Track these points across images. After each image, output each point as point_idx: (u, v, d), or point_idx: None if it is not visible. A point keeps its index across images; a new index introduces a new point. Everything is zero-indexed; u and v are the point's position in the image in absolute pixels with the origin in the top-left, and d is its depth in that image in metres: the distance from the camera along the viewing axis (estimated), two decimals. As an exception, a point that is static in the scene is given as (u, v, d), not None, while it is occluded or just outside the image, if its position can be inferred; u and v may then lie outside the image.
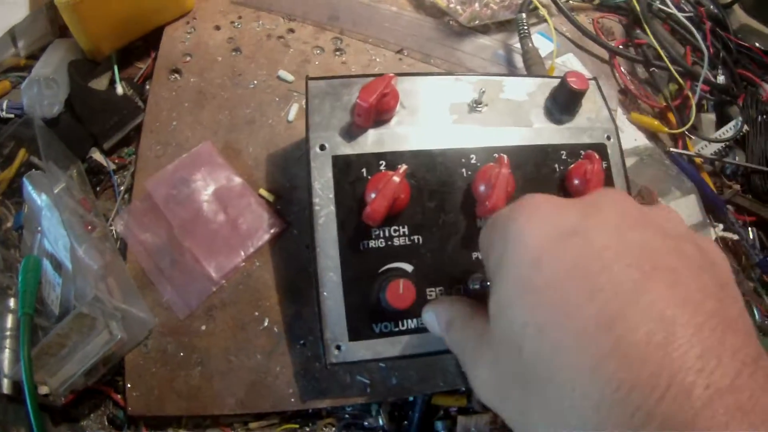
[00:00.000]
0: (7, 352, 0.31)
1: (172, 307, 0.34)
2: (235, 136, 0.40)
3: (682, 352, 0.13)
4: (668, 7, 0.54)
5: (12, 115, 0.40)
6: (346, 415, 0.35)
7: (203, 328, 0.34)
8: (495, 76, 0.34)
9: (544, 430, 0.16)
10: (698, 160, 0.47)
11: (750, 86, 0.52)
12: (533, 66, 0.43)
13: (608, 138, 0.34)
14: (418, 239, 0.29)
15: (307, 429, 0.34)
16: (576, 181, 0.31)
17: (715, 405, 0.12)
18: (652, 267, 0.15)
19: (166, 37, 0.45)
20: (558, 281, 0.16)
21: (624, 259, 0.16)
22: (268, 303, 0.35)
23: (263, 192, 0.38)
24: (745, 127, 0.48)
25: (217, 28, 0.45)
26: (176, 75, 0.43)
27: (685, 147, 0.47)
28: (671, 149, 0.46)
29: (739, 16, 0.57)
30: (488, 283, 0.28)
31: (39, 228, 0.35)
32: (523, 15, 0.46)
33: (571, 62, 0.48)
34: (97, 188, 0.40)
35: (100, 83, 0.43)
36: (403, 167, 0.28)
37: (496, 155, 0.31)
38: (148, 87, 0.43)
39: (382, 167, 0.29)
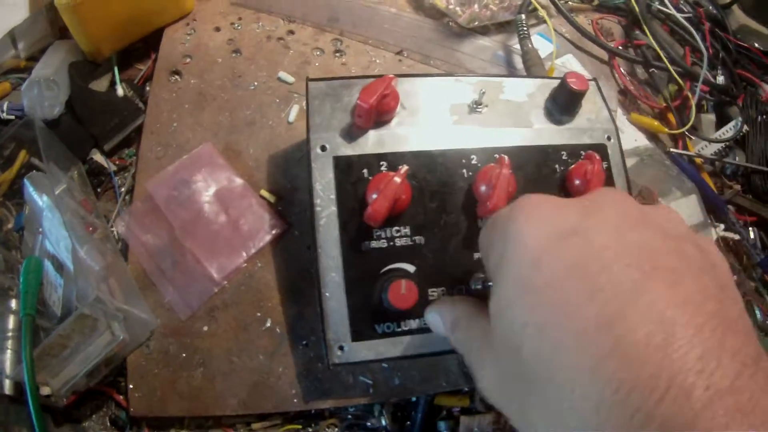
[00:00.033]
0: (8, 353, 0.31)
1: (173, 308, 0.34)
2: (235, 138, 0.40)
3: (682, 354, 0.13)
4: (667, 8, 0.54)
5: (12, 117, 0.40)
6: (349, 416, 0.35)
7: (205, 328, 0.34)
8: (495, 77, 0.34)
9: (543, 430, 0.16)
10: (698, 160, 0.48)
11: (749, 86, 0.52)
12: (533, 67, 0.43)
13: (608, 138, 0.34)
14: (420, 240, 0.29)
15: (310, 430, 0.34)
16: (577, 182, 0.31)
17: (715, 406, 0.12)
18: (652, 267, 0.15)
19: (166, 38, 0.45)
20: (557, 281, 0.16)
21: (624, 259, 0.16)
22: (270, 304, 0.35)
23: (264, 193, 0.38)
24: (745, 127, 0.48)
25: (217, 29, 0.46)
26: (176, 76, 0.43)
27: (686, 147, 0.48)
28: (671, 150, 0.46)
29: (738, 17, 0.57)
30: (490, 284, 0.28)
31: (40, 229, 0.35)
32: (523, 16, 0.46)
33: (571, 63, 0.49)
34: (98, 189, 0.40)
35: (100, 85, 0.43)
36: (404, 168, 0.28)
37: (496, 156, 0.31)
38: (148, 88, 0.43)
39: (383, 168, 0.30)
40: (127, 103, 0.41)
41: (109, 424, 0.33)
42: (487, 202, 0.27)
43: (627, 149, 0.40)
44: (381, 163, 0.30)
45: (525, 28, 0.46)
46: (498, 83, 0.34)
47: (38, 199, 0.36)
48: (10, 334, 0.32)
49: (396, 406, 0.35)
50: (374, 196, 0.27)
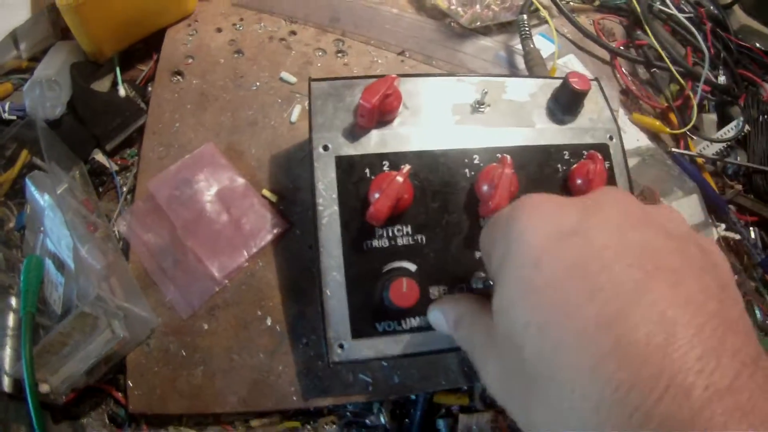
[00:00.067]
0: (8, 351, 0.31)
1: (174, 306, 0.34)
2: (237, 138, 0.40)
3: (683, 353, 0.13)
4: (669, 8, 0.54)
5: (14, 117, 0.40)
6: (348, 414, 0.35)
7: (206, 327, 0.34)
8: (497, 77, 0.34)
9: (544, 429, 0.16)
10: (700, 160, 0.48)
11: (751, 86, 0.52)
12: (535, 67, 0.43)
13: (610, 138, 0.34)
14: (422, 239, 0.29)
15: (309, 427, 0.34)
16: (579, 181, 0.31)
17: (714, 406, 0.13)
18: (654, 267, 0.15)
19: (167, 39, 0.45)
20: (558, 281, 0.16)
21: (625, 259, 0.16)
22: (271, 303, 0.35)
23: (266, 192, 0.38)
24: (747, 127, 0.48)
25: (219, 30, 0.46)
26: (178, 77, 0.43)
27: (687, 147, 0.48)
28: (673, 149, 0.46)
29: (739, 17, 0.57)
30: (491, 283, 0.28)
31: (42, 228, 0.35)
32: (524, 16, 0.47)
33: (573, 63, 0.49)
34: (100, 189, 0.40)
35: (102, 85, 0.43)
36: (407, 167, 0.28)
37: (499, 155, 0.31)
38: (150, 89, 0.43)
39: (385, 167, 0.30)
40: (129, 103, 0.41)
41: (107, 421, 0.33)
42: (489, 201, 0.27)
43: (629, 149, 0.40)
44: (383, 162, 0.30)
45: (527, 29, 0.46)
46: (500, 83, 0.34)
47: (40, 198, 0.36)
48: (10, 331, 0.32)
49: (395, 404, 0.35)
50: (376, 195, 0.27)
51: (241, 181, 0.38)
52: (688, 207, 0.43)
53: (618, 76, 0.51)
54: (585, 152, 0.32)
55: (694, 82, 0.50)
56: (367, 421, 0.35)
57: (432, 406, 0.35)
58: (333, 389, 0.33)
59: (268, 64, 0.44)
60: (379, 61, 0.46)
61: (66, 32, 0.43)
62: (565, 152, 0.32)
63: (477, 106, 0.32)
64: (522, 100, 0.34)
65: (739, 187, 0.47)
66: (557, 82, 0.34)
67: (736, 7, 0.58)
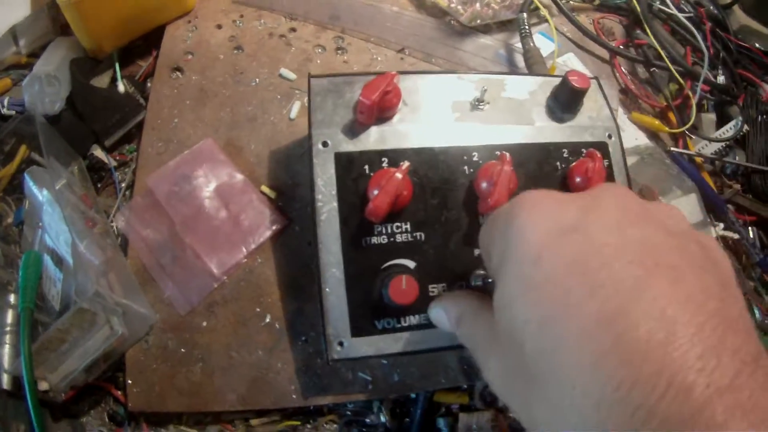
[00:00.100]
0: (7, 348, 0.31)
1: (173, 303, 0.34)
2: (236, 134, 0.40)
3: (683, 351, 0.13)
4: (668, 7, 0.54)
5: (13, 112, 0.40)
6: (348, 412, 0.35)
7: (204, 324, 0.34)
8: (497, 75, 0.34)
9: (545, 426, 0.16)
10: (699, 159, 0.48)
11: (750, 86, 0.52)
12: (534, 65, 0.43)
13: (609, 136, 0.34)
14: (421, 236, 0.29)
15: (309, 426, 0.34)
16: (578, 179, 0.31)
17: (714, 404, 0.13)
18: (654, 264, 0.15)
19: (167, 35, 0.45)
20: (558, 277, 0.16)
21: (625, 256, 0.16)
22: (270, 299, 0.35)
23: (265, 189, 0.38)
24: (746, 126, 0.48)
25: (219, 26, 0.46)
26: (178, 73, 0.43)
27: (686, 146, 0.48)
28: (672, 148, 0.46)
29: (739, 17, 0.58)
30: (490, 280, 0.28)
31: (40, 223, 0.35)
32: (524, 15, 0.47)
33: (572, 62, 0.49)
34: (98, 185, 0.40)
35: (101, 81, 0.43)
36: (406, 164, 0.28)
37: (498, 153, 0.31)
38: (149, 85, 0.43)
39: (384, 164, 0.30)
40: (128, 99, 0.41)
41: (107, 419, 0.33)
42: (488, 198, 0.27)
43: (628, 148, 0.40)
44: (382, 159, 0.30)
45: (526, 27, 0.46)
46: (500, 81, 0.34)
47: (38, 193, 0.36)
48: (8, 328, 0.32)
49: (395, 403, 0.35)
50: (375, 192, 0.27)
51: (240, 177, 0.38)
52: (687, 206, 0.43)
53: (617, 75, 0.51)
54: (584, 150, 0.32)
55: (693, 82, 0.50)
56: (367, 419, 0.34)
57: (432, 405, 0.35)
58: (332, 387, 0.33)
59: (267, 60, 0.44)
60: (379, 58, 0.46)
61: (65, 28, 0.43)
62: (564, 150, 0.32)
63: (476, 103, 0.32)
64: (521, 97, 0.34)
65: (738, 186, 0.47)
66: (557, 80, 0.34)
67: (735, 7, 0.58)
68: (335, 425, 0.34)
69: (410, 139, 0.30)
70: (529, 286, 0.17)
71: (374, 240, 0.29)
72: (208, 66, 0.43)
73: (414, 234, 0.29)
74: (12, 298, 0.33)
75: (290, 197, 0.38)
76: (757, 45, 0.55)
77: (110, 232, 0.37)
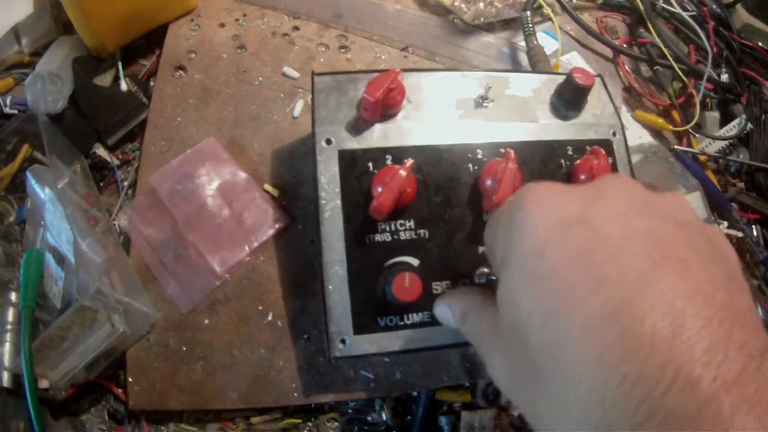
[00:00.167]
0: (7, 346, 0.31)
1: (175, 301, 0.34)
2: (239, 132, 0.40)
3: (690, 345, 0.13)
4: (671, 6, 0.54)
5: (16, 111, 0.40)
6: (350, 410, 0.34)
7: (206, 322, 0.34)
8: (501, 72, 0.34)
9: (549, 421, 0.16)
10: (702, 157, 0.47)
11: (753, 85, 0.52)
12: (538, 63, 0.43)
13: (614, 134, 0.34)
14: (425, 233, 0.29)
15: (310, 424, 0.34)
16: (582, 177, 0.31)
17: (721, 398, 0.12)
18: (661, 256, 0.15)
19: (170, 34, 0.45)
20: (563, 270, 0.16)
21: (631, 248, 0.15)
22: (272, 297, 0.35)
23: (268, 187, 0.38)
24: (749, 125, 0.48)
25: (222, 25, 0.46)
26: (181, 72, 0.43)
27: (690, 145, 0.47)
28: (676, 147, 0.46)
29: (742, 16, 0.57)
30: (493, 278, 0.28)
31: (42, 222, 0.35)
32: (528, 13, 0.46)
33: (576, 60, 0.48)
34: (101, 183, 0.40)
35: (104, 80, 0.43)
36: (410, 161, 0.27)
37: (502, 150, 0.30)
38: (152, 84, 0.43)
39: (388, 161, 0.29)
40: (131, 98, 0.41)
41: (107, 417, 0.33)
42: (492, 196, 0.27)
43: (631, 146, 0.40)
44: (386, 156, 0.30)
45: (530, 26, 0.46)
46: (504, 78, 0.34)
47: (40, 191, 0.36)
48: (9, 326, 0.32)
49: (397, 401, 0.35)
50: (379, 189, 0.27)
51: (242, 175, 0.38)
52: (691, 204, 0.43)
53: (621, 73, 0.51)
54: (588, 148, 0.32)
55: (696, 80, 0.49)
56: (369, 418, 0.34)
57: (434, 403, 0.35)
58: (334, 385, 0.33)
59: (270, 59, 0.44)
60: (382, 56, 0.46)
61: (68, 27, 0.43)
62: (568, 148, 0.32)
63: (480, 101, 0.32)
64: (525, 95, 0.34)
65: (742, 184, 0.47)
66: (561, 78, 0.33)
67: (738, 6, 0.58)
68: (337, 423, 0.34)
69: (414, 137, 0.30)
70: (534, 280, 0.16)
71: (378, 237, 0.29)
72: (211, 65, 0.43)
73: (418, 231, 0.29)
74: (13, 296, 0.33)
75: (293, 195, 0.38)
76: (760, 44, 0.55)
77: (112, 230, 0.37)
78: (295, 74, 0.43)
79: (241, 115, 0.41)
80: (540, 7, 0.48)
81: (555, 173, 0.31)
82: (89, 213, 0.35)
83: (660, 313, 0.14)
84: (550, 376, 0.15)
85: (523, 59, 0.46)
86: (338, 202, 0.29)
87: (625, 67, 0.51)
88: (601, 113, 0.34)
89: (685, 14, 0.53)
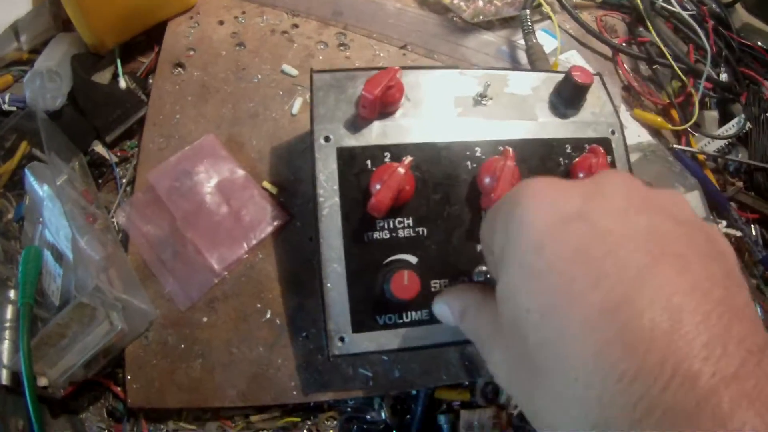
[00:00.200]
0: (6, 343, 0.31)
1: (173, 298, 0.34)
2: (238, 130, 0.40)
3: (689, 340, 0.13)
4: (671, 5, 0.54)
5: (14, 108, 0.40)
6: (348, 409, 0.34)
7: (205, 320, 0.34)
8: (500, 70, 0.34)
9: (548, 417, 0.16)
10: (701, 156, 0.47)
11: (752, 84, 0.52)
12: (537, 61, 0.43)
13: (612, 132, 0.34)
14: (423, 231, 0.29)
15: (309, 422, 0.34)
16: (581, 175, 0.31)
17: (720, 393, 0.12)
18: (660, 252, 0.15)
19: (169, 31, 0.45)
20: (561, 266, 0.16)
21: (630, 243, 0.15)
22: (271, 295, 0.35)
23: (266, 184, 0.38)
24: (748, 124, 0.48)
25: (221, 23, 0.46)
26: (180, 69, 0.43)
27: (689, 144, 0.47)
28: (675, 146, 0.46)
29: (741, 15, 0.57)
30: (489, 276, 0.28)
31: (40, 219, 0.35)
32: (527, 11, 0.46)
33: (575, 59, 0.48)
34: (99, 181, 0.40)
35: (103, 77, 0.43)
36: (408, 159, 0.27)
37: (501, 148, 0.30)
38: (151, 81, 0.43)
39: (386, 159, 0.29)
40: (130, 95, 0.41)
41: (106, 415, 0.33)
42: (491, 193, 0.27)
43: (630, 145, 0.40)
44: (385, 154, 0.29)
45: (529, 24, 0.46)
46: (503, 76, 0.34)
47: (39, 188, 0.35)
48: (8, 324, 0.32)
49: (396, 400, 0.35)
50: (378, 187, 0.27)
51: (241, 172, 0.38)
52: (690, 203, 0.43)
53: (620, 72, 0.51)
54: (587, 146, 0.32)
55: (695, 79, 0.49)
56: (368, 416, 0.34)
57: (433, 402, 0.35)
58: (333, 383, 0.33)
59: (269, 56, 0.44)
60: (381, 54, 0.46)
61: (67, 24, 0.43)
62: (567, 146, 0.32)
63: (479, 98, 0.32)
64: (524, 93, 0.34)
65: (741, 184, 0.47)
66: (560, 76, 0.33)
67: (738, 6, 0.58)
68: (335, 422, 0.34)
69: (413, 134, 0.30)
70: (532, 276, 0.16)
71: (376, 235, 0.29)
72: (210, 62, 0.43)
73: (416, 229, 0.29)
74: (12, 293, 0.33)
75: (292, 193, 0.38)
76: (759, 43, 0.55)
77: (111, 227, 0.36)
78: (294, 72, 0.43)
79: (239, 113, 0.41)
80: (539, 5, 0.48)
81: (553, 171, 0.31)
82: (88, 210, 0.35)
83: (658, 308, 0.14)
84: (549, 373, 0.15)
85: (522, 57, 0.46)
86: (337, 199, 0.29)
87: (624, 65, 0.51)
88: (600, 112, 0.34)
89: (684, 13, 0.53)
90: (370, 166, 0.29)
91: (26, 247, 0.33)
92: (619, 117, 0.34)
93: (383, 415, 0.34)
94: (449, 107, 0.32)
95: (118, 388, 0.32)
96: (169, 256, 0.35)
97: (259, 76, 0.43)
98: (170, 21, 0.45)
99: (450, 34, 0.48)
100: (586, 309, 0.15)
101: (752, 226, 0.45)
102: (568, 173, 0.31)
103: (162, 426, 0.33)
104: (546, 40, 0.48)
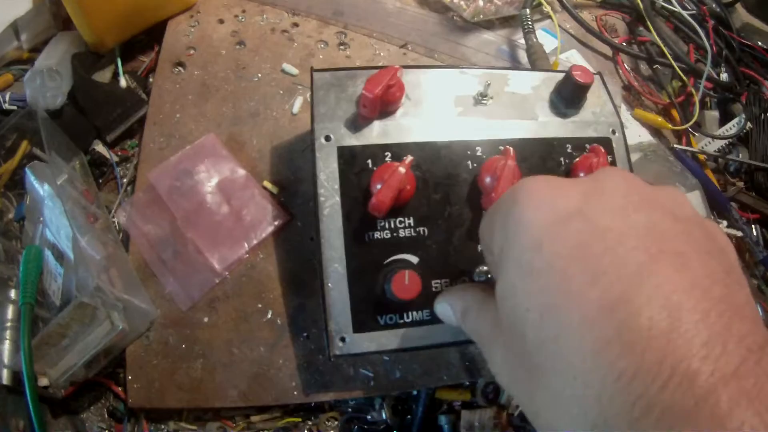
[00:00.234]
0: (7, 343, 0.31)
1: (174, 298, 0.34)
2: (239, 129, 0.40)
3: (687, 339, 0.13)
4: (671, 4, 0.54)
5: (15, 107, 0.40)
6: (349, 409, 0.34)
7: (206, 320, 0.34)
8: (500, 70, 0.34)
9: (547, 416, 0.16)
10: (702, 156, 0.47)
11: (753, 84, 0.52)
12: (538, 60, 0.43)
13: (613, 132, 0.34)
14: (424, 231, 0.29)
15: (310, 423, 0.34)
16: (581, 175, 0.31)
17: (719, 392, 0.12)
18: (658, 250, 0.15)
19: (169, 30, 0.45)
20: (559, 264, 0.16)
21: (629, 241, 0.15)
22: (272, 295, 0.35)
23: (267, 184, 0.38)
24: (749, 124, 0.48)
25: (221, 21, 0.45)
26: (180, 68, 0.43)
27: (689, 144, 0.47)
28: (675, 146, 0.46)
29: (741, 15, 0.57)
30: (489, 276, 0.28)
31: (41, 218, 0.35)
32: (527, 11, 0.46)
33: (575, 59, 0.48)
34: (100, 180, 0.40)
35: (103, 76, 0.43)
36: (409, 158, 0.27)
37: (501, 147, 0.30)
38: (151, 80, 0.43)
39: (387, 158, 0.29)
40: (130, 94, 0.41)
41: (106, 415, 0.33)
42: (491, 193, 0.27)
43: (631, 145, 0.40)
44: (385, 153, 0.29)
45: (529, 23, 0.46)
46: (503, 75, 0.34)
47: (39, 188, 0.35)
48: (8, 324, 0.32)
49: (397, 400, 0.35)
50: (378, 186, 0.27)
51: (242, 172, 0.38)
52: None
53: (620, 71, 0.51)
54: (588, 146, 0.32)
55: (696, 79, 0.49)
56: (369, 416, 0.34)
57: (434, 402, 0.35)
58: (334, 384, 0.33)
59: (270, 55, 0.44)
60: (382, 53, 0.46)
61: (67, 23, 0.42)
62: (567, 145, 0.32)
63: (480, 98, 0.32)
64: (525, 92, 0.34)
65: (741, 184, 0.47)
66: (560, 76, 0.33)
67: (738, 6, 0.58)
68: (336, 422, 0.34)
69: (413, 134, 0.30)
70: (531, 275, 0.16)
71: (377, 235, 0.29)
72: (210, 61, 0.43)
73: (417, 229, 0.29)
74: (12, 293, 0.33)
75: (292, 193, 0.38)
76: (759, 43, 0.55)
77: (111, 227, 0.36)
78: (295, 71, 0.43)
79: (240, 112, 0.41)
80: (539, 4, 0.48)
81: (554, 171, 0.31)
82: (88, 210, 0.35)
83: (657, 306, 0.14)
84: (548, 372, 0.15)
85: (523, 57, 0.46)
86: (337, 199, 0.29)
87: (625, 65, 0.51)
88: (601, 111, 0.34)
89: (684, 13, 0.53)
90: (370, 166, 0.29)
91: (27, 246, 0.33)
92: (619, 116, 0.34)
93: (384, 415, 0.34)
94: (450, 106, 0.32)
95: (119, 388, 0.32)
96: (169, 256, 0.35)
97: (260, 75, 0.43)
98: (170, 20, 0.45)
99: (450, 34, 0.48)
100: (585, 307, 0.15)
101: (753, 226, 0.45)
102: (569, 173, 0.31)
103: (163, 426, 0.33)
104: (546, 39, 0.48)
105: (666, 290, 0.14)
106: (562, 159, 0.32)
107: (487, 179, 0.29)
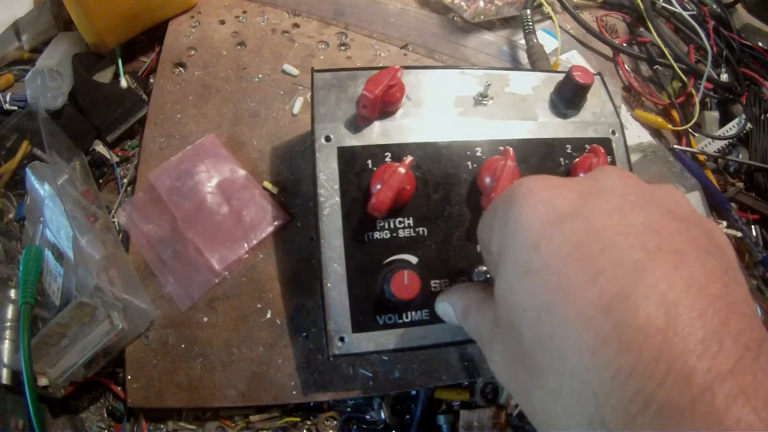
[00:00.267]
0: (6, 343, 0.31)
1: (174, 298, 0.34)
2: (239, 129, 0.40)
3: (684, 336, 0.13)
4: (672, 5, 0.54)
5: (15, 107, 0.40)
6: (348, 409, 0.34)
7: (205, 320, 0.34)
8: (500, 70, 0.34)
9: (545, 415, 0.16)
10: (702, 157, 0.47)
11: (753, 85, 0.52)
12: (538, 61, 0.43)
13: (613, 132, 0.34)
14: (423, 231, 0.29)
15: (309, 422, 0.34)
16: (581, 175, 0.31)
17: (715, 389, 0.12)
18: (656, 248, 0.15)
19: (170, 31, 0.45)
20: (557, 264, 0.16)
21: (626, 240, 0.15)
22: (271, 295, 0.35)
23: (267, 184, 0.38)
24: (749, 125, 0.48)
25: (222, 22, 0.46)
26: (181, 68, 0.43)
27: (689, 144, 0.47)
28: (675, 146, 0.46)
29: (742, 16, 0.57)
30: (489, 276, 0.28)
31: (41, 218, 0.35)
32: (528, 11, 0.46)
33: (575, 59, 0.48)
34: (100, 180, 0.40)
35: (104, 76, 0.43)
36: (409, 158, 0.27)
37: (501, 148, 0.30)
38: (152, 80, 0.43)
39: (387, 159, 0.29)
40: (131, 94, 0.41)
41: (106, 415, 0.33)
42: (491, 194, 0.27)
43: (631, 145, 0.40)
44: (385, 153, 0.29)
45: (530, 24, 0.46)
46: (503, 76, 0.34)
47: (39, 188, 0.36)
48: (8, 324, 0.32)
49: (395, 400, 0.35)
50: (378, 186, 0.27)
51: (242, 172, 0.38)
52: (690, 204, 0.43)
53: (620, 72, 0.51)
54: (587, 146, 0.32)
55: (696, 80, 0.49)
56: (368, 416, 0.34)
57: (433, 402, 0.35)
58: (333, 384, 0.33)
59: (270, 56, 0.44)
60: (382, 54, 0.46)
61: (68, 24, 0.43)
62: (567, 146, 0.32)
63: (480, 98, 0.32)
64: (525, 93, 0.34)
65: (741, 184, 0.47)
66: (560, 76, 0.33)
67: (738, 6, 0.58)
68: (335, 422, 0.34)
69: (413, 134, 0.30)
70: (528, 274, 0.16)
71: (377, 235, 0.29)
72: (210, 62, 0.43)
73: (417, 229, 0.29)
74: (12, 293, 0.33)
75: (292, 193, 0.38)
76: (760, 44, 0.55)
77: (111, 227, 0.37)
78: (295, 71, 0.43)
79: (240, 112, 0.41)
80: (540, 5, 0.48)
81: (554, 171, 0.31)
82: (88, 210, 0.35)
83: (654, 304, 0.14)
84: (546, 370, 0.15)
85: (523, 57, 0.46)
86: (337, 199, 0.29)
87: (625, 66, 0.51)
88: (601, 112, 0.34)
89: (685, 14, 0.53)
90: (370, 166, 0.29)
91: (27, 246, 0.33)
92: (619, 117, 0.34)
93: (383, 415, 0.34)
94: (450, 107, 0.32)
95: (119, 388, 0.32)
96: (169, 256, 0.35)
97: (260, 76, 0.43)
98: (171, 20, 0.45)
99: (451, 34, 0.48)
100: (582, 305, 0.15)
101: (752, 226, 0.45)
102: (569, 173, 0.31)
103: (162, 426, 0.33)
104: (547, 40, 0.48)
105: (663, 288, 0.14)
106: (562, 159, 0.32)
107: (487, 179, 0.29)
